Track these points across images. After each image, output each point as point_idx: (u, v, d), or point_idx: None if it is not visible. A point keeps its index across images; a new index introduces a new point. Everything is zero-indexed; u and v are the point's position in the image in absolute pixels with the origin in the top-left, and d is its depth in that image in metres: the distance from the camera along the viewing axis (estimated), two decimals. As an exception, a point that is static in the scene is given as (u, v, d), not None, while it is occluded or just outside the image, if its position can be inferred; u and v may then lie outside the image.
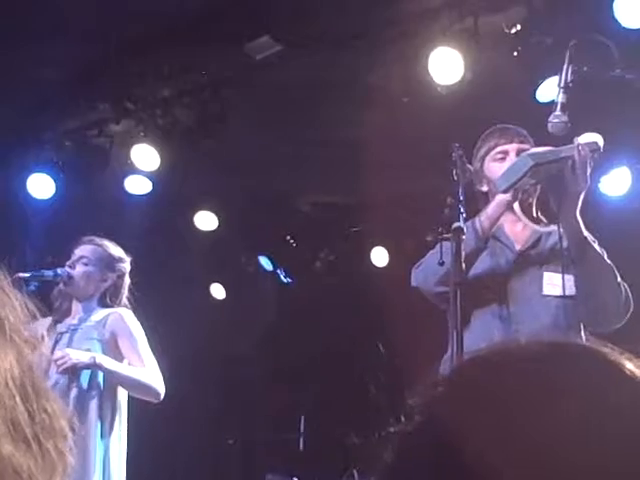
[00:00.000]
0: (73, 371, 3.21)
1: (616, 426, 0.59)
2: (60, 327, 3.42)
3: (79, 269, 3.46)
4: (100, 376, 3.31)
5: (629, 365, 0.64)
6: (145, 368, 3.34)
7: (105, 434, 3.29)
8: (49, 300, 3.42)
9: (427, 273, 2.74)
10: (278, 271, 7.23)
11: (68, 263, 3.48)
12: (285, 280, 7.27)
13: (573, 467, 0.58)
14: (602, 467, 0.58)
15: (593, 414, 0.60)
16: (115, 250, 3.58)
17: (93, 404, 3.27)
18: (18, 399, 0.61)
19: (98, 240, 3.56)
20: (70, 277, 3.45)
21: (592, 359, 0.65)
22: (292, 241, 6.97)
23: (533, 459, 0.58)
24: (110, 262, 3.53)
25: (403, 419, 0.68)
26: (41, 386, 0.64)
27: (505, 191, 2.67)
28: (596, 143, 2.69)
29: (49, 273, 3.41)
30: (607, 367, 0.64)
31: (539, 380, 0.63)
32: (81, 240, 3.56)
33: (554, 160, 2.58)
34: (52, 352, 3.16)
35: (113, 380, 3.31)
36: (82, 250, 3.52)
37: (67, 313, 3.51)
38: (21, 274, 3.16)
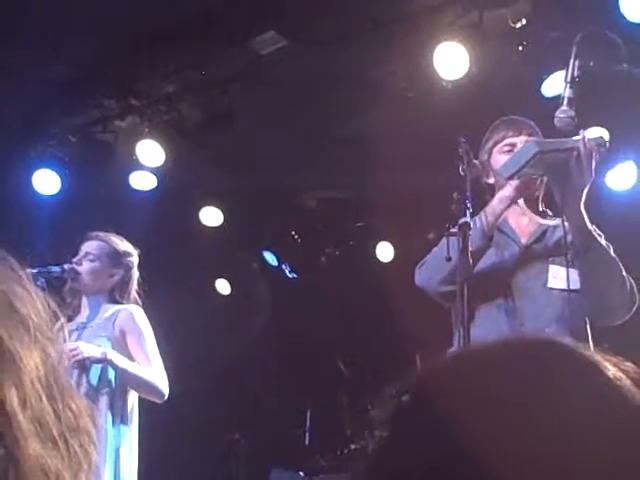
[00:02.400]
0: (83, 364, 3.22)
1: (592, 425, 0.60)
2: (70, 325, 3.42)
3: (85, 265, 3.47)
4: (111, 372, 3.32)
5: (610, 367, 0.64)
6: (151, 368, 3.35)
7: (117, 429, 3.30)
8: (56, 296, 3.42)
9: (431, 271, 2.73)
10: (283, 266, 7.23)
11: (74, 260, 3.48)
12: (290, 275, 7.27)
13: (553, 468, 0.58)
14: (581, 467, 0.58)
15: (570, 415, 0.60)
16: (121, 245, 3.57)
17: (104, 400, 3.28)
18: (44, 399, 0.62)
19: (103, 235, 3.56)
20: (77, 273, 3.45)
21: (567, 359, 0.65)
22: (297, 236, 6.97)
23: (512, 464, 0.58)
24: (116, 257, 3.52)
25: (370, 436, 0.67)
26: (65, 384, 0.65)
27: (509, 178, 2.66)
28: (602, 138, 2.69)
29: (56, 269, 3.41)
30: (584, 367, 0.64)
31: (513, 379, 0.63)
32: (87, 236, 3.56)
33: (559, 150, 2.57)
34: None
35: (121, 377, 3.32)
36: (88, 246, 3.52)
37: (77, 310, 3.51)
38: (28, 270, 3.15)
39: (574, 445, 0.58)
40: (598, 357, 0.65)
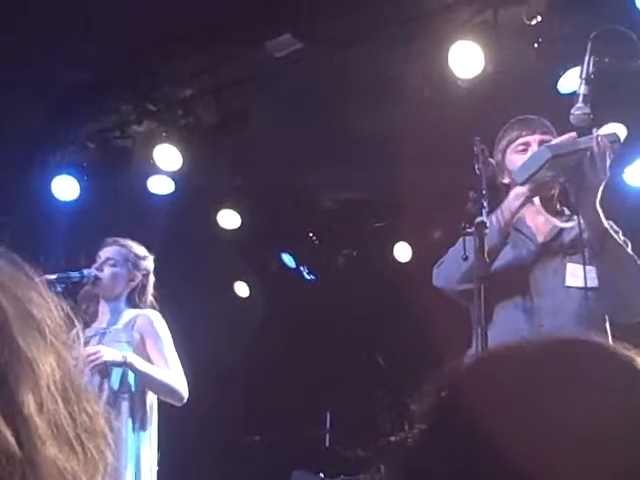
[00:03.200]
0: (104, 368, 3.24)
1: (628, 423, 0.59)
2: (88, 331, 3.44)
3: (107, 271, 3.49)
4: (131, 376, 3.34)
5: None
6: (170, 371, 3.37)
7: (137, 432, 3.32)
8: (74, 302, 3.44)
9: (449, 271, 2.73)
10: (301, 268, 7.24)
11: (95, 266, 3.51)
12: (308, 277, 7.28)
13: (587, 465, 0.58)
14: (614, 463, 0.58)
15: (606, 412, 0.60)
16: (138, 249, 3.61)
17: (125, 404, 3.30)
18: (60, 402, 0.62)
19: (122, 240, 3.59)
20: (98, 279, 3.48)
21: (605, 357, 0.65)
22: (315, 238, 6.97)
23: (548, 459, 0.58)
24: (136, 261, 3.56)
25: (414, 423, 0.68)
26: (81, 388, 0.65)
27: (523, 183, 2.65)
28: (615, 134, 2.67)
29: (75, 275, 3.44)
30: (620, 365, 0.64)
31: (550, 379, 0.63)
32: (105, 242, 3.59)
33: (572, 152, 2.56)
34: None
35: (141, 381, 3.34)
36: (107, 252, 3.55)
37: (95, 316, 3.54)
38: (47, 276, 3.19)
39: (612, 446, 0.58)
40: (633, 355, 0.65)
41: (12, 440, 0.58)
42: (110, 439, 0.66)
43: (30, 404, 0.60)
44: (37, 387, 0.61)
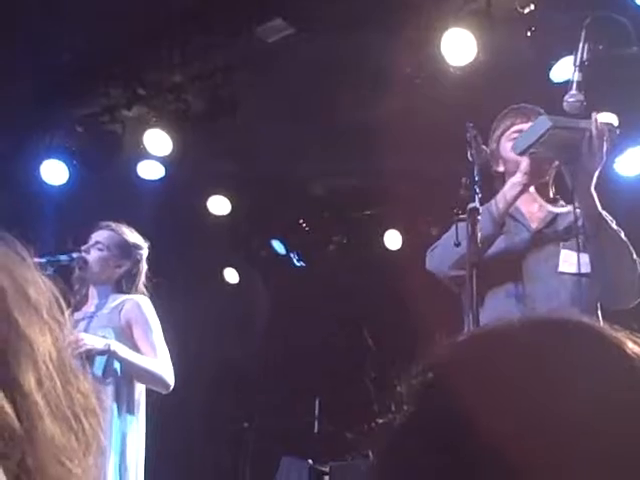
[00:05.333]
0: (87, 356, 3.22)
1: (615, 407, 0.59)
2: (77, 315, 3.43)
3: (94, 254, 3.47)
4: (117, 362, 3.32)
5: (630, 345, 0.64)
6: (157, 358, 3.34)
7: (123, 417, 3.31)
8: (64, 285, 3.42)
9: (442, 256, 2.73)
10: (291, 255, 7.23)
11: (84, 248, 3.48)
12: (298, 264, 7.27)
13: (574, 449, 0.57)
14: (604, 447, 0.57)
15: (592, 397, 0.59)
16: (131, 236, 3.57)
17: (109, 390, 3.28)
18: (57, 380, 0.63)
19: (115, 226, 3.55)
20: (85, 262, 3.45)
21: (593, 337, 0.65)
22: (305, 225, 6.97)
23: (531, 440, 0.58)
24: (126, 248, 3.52)
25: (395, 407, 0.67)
26: (73, 366, 0.65)
27: (521, 153, 2.65)
28: (612, 124, 2.68)
29: (65, 258, 3.41)
30: (608, 348, 0.63)
31: (537, 359, 0.62)
32: (98, 225, 3.56)
33: (571, 128, 2.56)
34: None
35: (125, 368, 3.33)
36: (98, 235, 3.52)
37: (85, 299, 3.52)
38: (37, 259, 3.15)
39: (595, 428, 0.58)
40: (622, 337, 0.65)
41: (13, 416, 0.58)
42: (102, 418, 0.66)
43: (30, 381, 0.60)
44: (36, 365, 0.62)
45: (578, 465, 0.57)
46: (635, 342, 0.64)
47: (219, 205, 6.38)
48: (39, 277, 0.69)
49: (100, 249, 3.47)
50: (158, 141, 5.45)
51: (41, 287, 0.68)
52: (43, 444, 0.59)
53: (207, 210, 6.36)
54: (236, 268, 7.22)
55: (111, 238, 3.51)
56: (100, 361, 3.29)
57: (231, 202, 6.36)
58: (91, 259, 3.46)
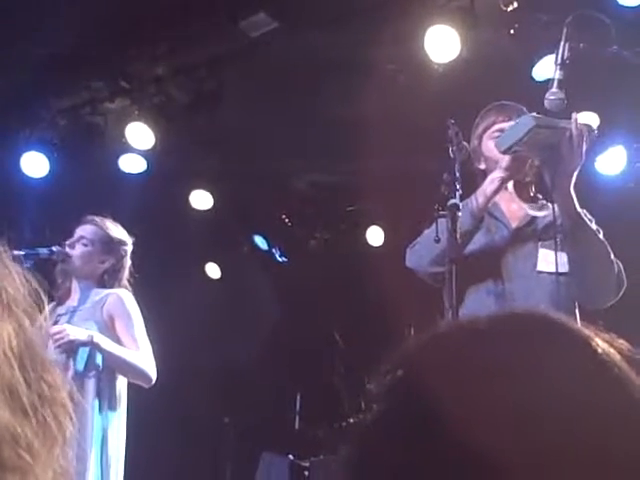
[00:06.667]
0: (70, 348, 3.21)
1: (576, 399, 0.59)
2: (60, 309, 3.42)
3: (78, 249, 3.45)
4: (99, 357, 3.31)
5: (600, 342, 0.64)
6: (139, 352, 3.33)
7: (104, 413, 3.29)
8: (44, 278, 3.40)
9: (422, 252, 2.74)
10: (273, 250, 7.23)
11: (68, 242, 3.46)
12: (280, 259, 7.27)
13: (535, 442, 0.58)
14: (565, 441, 0.58)
15: (555, 390, 0.59)
16: (116, 232, 3.55)
17: (91, 384, 3.27)
18: (16, 368, 0.62)
19: (99, 221, 3.53)
20: (68, 256, 3.44)
21: (559, 331, 0.65)
22: (287, 220, 6.96)
23: (497, 437, 0.58)
24: (109, 244, 3.50)
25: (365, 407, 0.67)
26: (41, 357, 0.65)
27: (505, 152, 2.66)
28: (591, 126, 2.70)
29: (44, 251, 3.39)
30: (573, 341, 0.64)
31: (503, 354, 0.63)
32: (83, 219, 3.54)
33: (552, 127, 2.58)
34: None
35: (108, 361, 3.31)
36: (83, 230, 3.50)
37: (67, 293, 3.50)
38: (15, 252, 3.13)
39: (558, 419, 0.58)
40: (589, 332, 0.65)
41: None
42: (71, 410, 0.65)
43: None
44: None
45: (544, 459, 0.57)
46: (603, 338, 0.65)
47: (201, 200, 6.35)
48: (10, 267, 0.68)
49: (85, 244, 3.46)
50: (140, 134, 5.42)
51: (9, 276, 0.67)
52: None
53: (189, 204, 6.34)
54: (218, 263, 7.20)
55: (95, 233, 3.50)
56: (82, 355, 3.29)
57: (213, 197, 6.34)
58: (75, 254, 3.44)
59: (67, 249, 3.44)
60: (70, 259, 3.43)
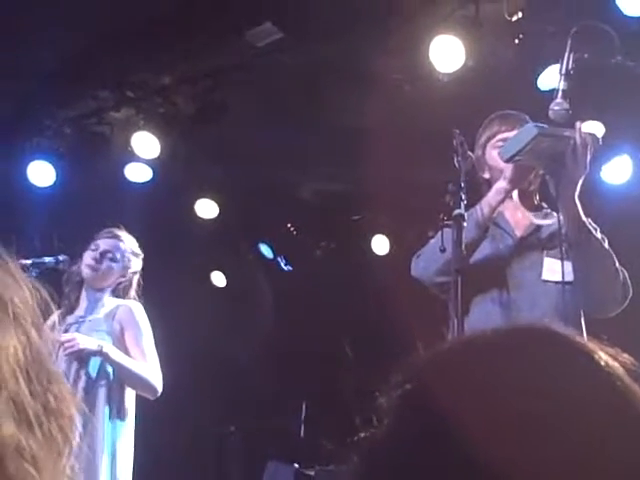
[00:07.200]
0: (79, 356, 3.22)
1: (580, 412, 0.60)
2: (69, 319, 3.43)
3: (105, 264, 3.47)
4: (110, 367, 3.33)
5: (603, 356, 0.64)
6: (146, 364, 3.35)
7: (114, 422, 3.31)
8: (50, 287, 3.40)
9: (427, 262, 2.74)
10: (278, 259, 7.23)
11: (92, 256, 3.46)
12: (285, 268, 7.27)
13: (541, 453, 0.58)
14: (570, 452, 0.58)
15: (559, 402, 0.60)
16: (134, 246, 3.60)
17: (102, 392, 3.29)
18: (21, 380, 0.62)
19: (122, 235, 3.56)
20: (94, 270, 3.44)
21: (560, 346, 0.65)
22: (293, 229, 6.97)
23: (506, 449, 0.58)
24: (131, 259, 3.55)
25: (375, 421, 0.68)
26: (48, 369, 0.65)
27: (508, 161, 2.66)
28: (595, 134, 2.70)
29: (50, 260, 3.41)
30: (576, 354, 0.64)
31: (510, 368, 0.63)
32: (105, 232, 3.56)
33: (557, 136, 2.58)
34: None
35: (116, 371, 3.32)
36: (107, 244, 3.52)
37: (76, 303, 3.51)
38: (22, 261, 3.15)
39: (562, 431, 0.59)
40: (592, 346, 0.65)
41: None
42: (79, 423, 0.65)
43: None
44: None
45: (550, 471, 0.58)
46: (606, 351, 0.65)
47: (207, 209, 6.37)
48: (18, 279, 0.68)
49: (111, 259, 3.48)
50: (146, 144, 5.44)
51: (17, 288, 0.67)
52: (1, 442, 0.58)
53: (195, 213, 6.35)
54: (224, 272, 7.21)
55: (119, 248, 3.52)
56: (94, 363, 3.30)
57: (219, 206, 6.35)
58: (102, 268, 3.45)
59: (92, 262, 3.44)
60: (96, 273, 3.45)
